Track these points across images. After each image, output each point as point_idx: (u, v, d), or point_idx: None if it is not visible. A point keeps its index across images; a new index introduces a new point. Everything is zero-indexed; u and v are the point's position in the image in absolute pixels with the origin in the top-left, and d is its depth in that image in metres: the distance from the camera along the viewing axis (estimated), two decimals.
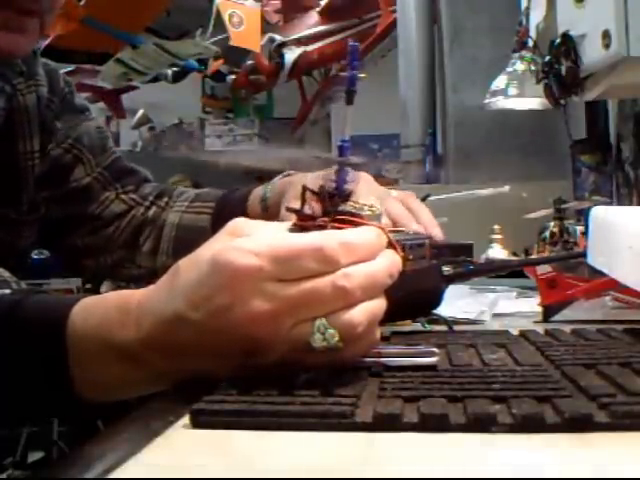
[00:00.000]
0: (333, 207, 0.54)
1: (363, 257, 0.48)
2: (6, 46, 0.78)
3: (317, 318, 0.46)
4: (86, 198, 0.99)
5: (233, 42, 3.87)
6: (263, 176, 0.97)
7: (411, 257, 0.61)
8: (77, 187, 0.98)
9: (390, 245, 0.52)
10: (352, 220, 0.53)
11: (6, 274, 0.60)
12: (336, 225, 0.52)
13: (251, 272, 0.45)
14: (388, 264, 0.50)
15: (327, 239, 0.47)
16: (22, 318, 0.51)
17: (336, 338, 0.46)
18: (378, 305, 0.49)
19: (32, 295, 0.54)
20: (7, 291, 0.56)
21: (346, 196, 0.55)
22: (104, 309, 0.51)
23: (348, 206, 0.55)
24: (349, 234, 0.49)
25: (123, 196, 1.01)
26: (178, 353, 0.48)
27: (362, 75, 0.54)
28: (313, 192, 0.55)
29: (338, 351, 0.46)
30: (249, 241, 0.47)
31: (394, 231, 0.62)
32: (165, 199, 1.05)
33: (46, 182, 0.95)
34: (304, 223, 0.53)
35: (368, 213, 0.54)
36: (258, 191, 0.96)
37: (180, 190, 1.08)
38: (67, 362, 0.50)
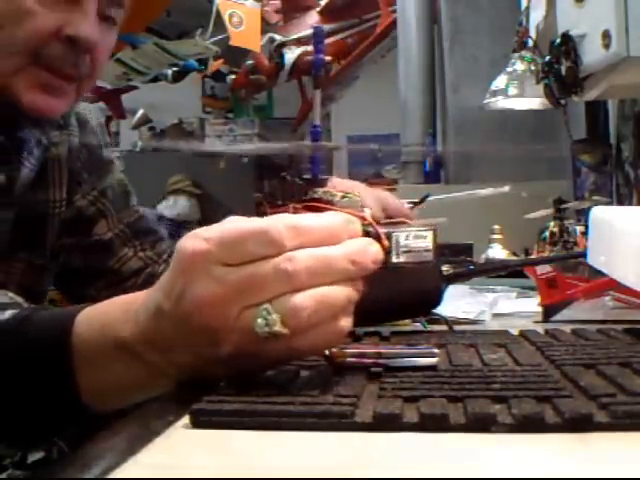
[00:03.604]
0: (300, 193, 0.53)
1: (317, 242, 0.46)
2: (41, 107, 0.80)
3: (263, 303, 0.45)
4: (106, 252, 1.01)
5: (233, 42, 3.87)
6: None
7: (408, 249, 0.58)
8: (99, 241, 1.00)
9: (368, 234, 0.50)
10: (321, 206, 0.51)
11: (19, 299, 0.61)
12: (301, 210, 0.51)
13: (200, 256, 0.46)
14: (348, 250, 0.47)
15: (274, 222, 0.46)
16: (28, 331, 0.52)
17: (278, 324, 0.44)
18: (335, 292, 0.46)
19: (40, 310, 0.55)
20: (16, 311, 0.56)
21: (321, 182, 0.54)
22: (108, 310, 0.53)
23: (321, 193, 0.54)
24: (301, 218, 0.48)
25: (141, 254, 1.03)
26: (165, 346, 0.48)
27: (328, 58, 0.53)
28: (284, 178, 0.54)
29: (282, 338, 0.45)
30: (207, 229, 0.47)
31: (395, 223, 0.60)
32: None
33: (69, 231, 0.97)
34: (274, 210, 0.53)
35: (339, 199, 0.53)
36: None
37: None
38: (72, 366, 0.51)
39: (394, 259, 0.53)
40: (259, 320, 0.44)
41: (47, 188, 0.93)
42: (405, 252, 0.54)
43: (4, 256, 0.88)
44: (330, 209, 0.51)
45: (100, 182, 1.01)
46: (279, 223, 0.46)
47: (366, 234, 0.50)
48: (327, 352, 0.49)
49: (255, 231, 0.46)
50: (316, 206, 0.51)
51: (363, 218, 0.51)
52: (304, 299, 0.45)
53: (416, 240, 0.56)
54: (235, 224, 0.47)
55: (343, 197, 0.54)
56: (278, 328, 0.44)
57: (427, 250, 0.57)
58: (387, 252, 0.52)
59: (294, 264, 0.45)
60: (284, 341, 0.45)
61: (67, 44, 0.79)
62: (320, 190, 0.53)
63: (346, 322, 0.47)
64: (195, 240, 0.46)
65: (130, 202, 1.05)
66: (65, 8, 0.79)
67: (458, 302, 0.91)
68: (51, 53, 0.79)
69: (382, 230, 0.52)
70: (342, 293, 0.46)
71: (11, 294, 0.61)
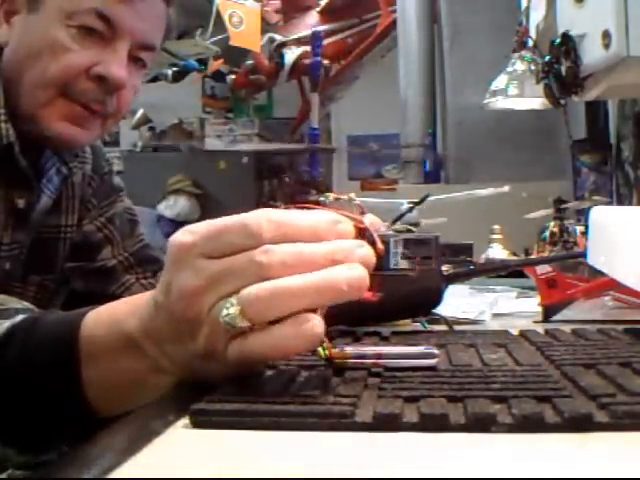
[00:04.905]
0: (297, 195, 0.53)
1: (298, 237, 0.45)
2: (67, 137, 0.86)
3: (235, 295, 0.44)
4: (109, 277, 1.03)
5: (233, 42, 3.87)
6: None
7: (407, 256, 0.56)
8: (103, 266, 1.02)
9: (363, 236, 0.49)
10: (316, 207, 0.51)
11: (31, 305, 0.62)
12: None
13: (185, 248, 0.46)
14: (331, 249, 0.45)
15: (256, 216, 0.46)
16: (36, 332, 0.53)
17: (238, 315, 0.43)
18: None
19: (49, 314, 0.56)
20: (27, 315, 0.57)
21: (318, 183, 0.54)
22: (117, 307, 0.54)
23: (317, 195, 0.53)
24: (284, 213, 0.47)
25: (143, 281, 1.05)
26: (160, 338, 0.49)
27: (326, 62, 0.53)
28: (282, 179, 0.54)
29: (243, 333, 0.44)
30: (197, 224, 0.48)
31: (399, 230, 0.59)
32: None
33: (75, 254, 0.99)
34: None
35: (333, 201, 0.52)
36: None
37: None
38: (78, 366, 0.51)
39: (392, 265, 0.52)
40: (223, 311, 0.44)
41: (60, 214, 0.97)
42: (404, 258, 0.53)
43: (19, 278, 0.91)
44: (322, 209, 0.50)
45: (109, 209, 1.04)
46: (262, 217, 0.46)
47: (362, 238, 0.49)
48: (326, 352, 0.49)
49: (236, 224, 0.46)
50: (310, 207, 0.51)
51: (359, 221, 0.50)
52: (263, 288, 0.43)
53: (416, 247, 0.55)
54: (221, 218, 0.47)
55: (337, 199, 0.53)
56: (238, 320, 0.44)
57: (427, 257, 0.56)
58: (382, 257, 0.50)
59: (269, 256, 0.44)
60: (246, 340, 0.44)
61: (96, 82, 0.84)
62: (315, 192, 0.52)
63: (316, 325, 0.44)
64: (183, 234, 0.47)
65: (135, 231, 1.07)
66: (99, 47, 0.84)
67: (458, 302, 0.91)
68: (79, 88, 0.84)
69: (378, 233, 0.50)
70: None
71: (25, 302, 0.61)
